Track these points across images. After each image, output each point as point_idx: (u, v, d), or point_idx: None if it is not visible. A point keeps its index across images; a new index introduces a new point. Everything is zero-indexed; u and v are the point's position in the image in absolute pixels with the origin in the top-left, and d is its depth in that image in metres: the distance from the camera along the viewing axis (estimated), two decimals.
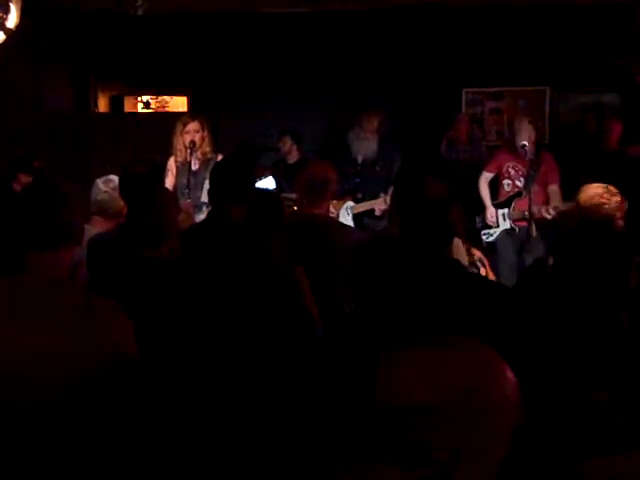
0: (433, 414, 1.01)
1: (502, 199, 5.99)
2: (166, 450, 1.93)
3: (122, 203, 3.80)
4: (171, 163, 5.53)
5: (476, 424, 1.02)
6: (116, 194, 3.81)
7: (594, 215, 3.70)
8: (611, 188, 3.77)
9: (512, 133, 6.12)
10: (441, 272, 2.34)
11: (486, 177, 6.15)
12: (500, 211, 5.93)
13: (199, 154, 5.41)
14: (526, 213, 5.51)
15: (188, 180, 5.32)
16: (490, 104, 8.87)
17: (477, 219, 6.08)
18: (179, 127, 5.41)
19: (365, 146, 6.11)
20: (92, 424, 1.80)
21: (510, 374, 1.08)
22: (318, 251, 3.40)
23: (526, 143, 5.57)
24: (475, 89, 8.79)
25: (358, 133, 6.14)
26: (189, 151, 5.32)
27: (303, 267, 3.10)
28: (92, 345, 1.82)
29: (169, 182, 5.38)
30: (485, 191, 6.13)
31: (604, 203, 3.69)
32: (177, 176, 5.45)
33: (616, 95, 8.28)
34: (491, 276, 3.68)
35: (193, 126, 5.35)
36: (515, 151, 5.87)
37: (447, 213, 2.48)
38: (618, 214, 3.74)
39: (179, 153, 5.39)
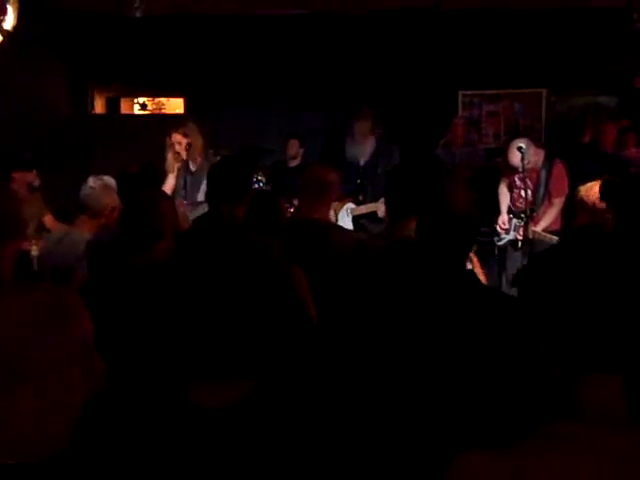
0: None
1: (515, 209, 5.90)
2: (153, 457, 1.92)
3: (105, 202, 3.81)
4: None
5: None
6: (101, 192, 3.81)
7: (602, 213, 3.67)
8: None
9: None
10: (454, 284, 2.30)
11: (504, 182, 6.05)
12: (514, 220, 5.87)
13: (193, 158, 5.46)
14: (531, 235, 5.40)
15: (185, 181, 5.36)
16: (487, 106, 8.88)
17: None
18: (167, 140, 5.48)
19: (361, 150, 6.11)
20: None
21: None
22: (316, 255, 3.38)
23: (522, 145, 5.52)
24: (472, 91, 8.81)
25: (353, 139, 6.15)
26: (183, 155, 5.38)
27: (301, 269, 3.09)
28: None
29: (169, 183, 5.42)
30: (502, 196, 6.04)
31: None
32: (177, 177, 5.49)
33: (613, 97, 8.31)
34: (479, 271, 3.62)
35: (175, 137, 5.41)
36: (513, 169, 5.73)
37: (471, 225, 2.38)
38: None
39: (170, 167, 5.44)
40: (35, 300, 1.55)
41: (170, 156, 5.42)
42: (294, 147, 7.14)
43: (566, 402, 1.24)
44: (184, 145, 5.38)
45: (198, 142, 5.50)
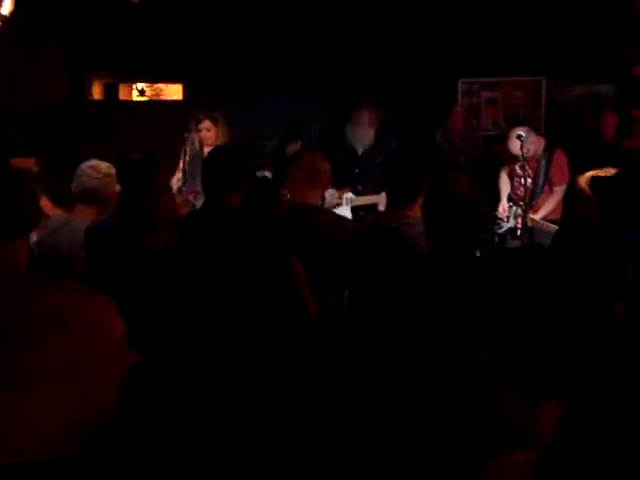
0: None
1: (515, 197, 5.87)
2: (160, 445, 1.92)
3: (110, 190, 3.79)
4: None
5: None
6: (107, 180, 3.78)
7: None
8: (609, 170, 3.72)
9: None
10: (464, 272, 2.30)
11: (505, 171, 6.03)
12: (513, 208, 5.85)
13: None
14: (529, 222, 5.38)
15: (184, 169, 5.39)
16: (486, 94, 8.86)
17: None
18: (192, 124, 5.50)
19: (362, 138, 6.08)
20: None
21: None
22: (309, 241, 3.39)
23: (522, 133, 5.49)
24: (471, 79, 8.78)
25: (353, 127, 6.12)
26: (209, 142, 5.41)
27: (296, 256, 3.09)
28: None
29: (181, 167, 5.47)
30: (503, 184, 6.02)
31: None
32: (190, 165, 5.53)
33: (612, 86, 8.28)
34: None
35: (205, 124, 5.44)
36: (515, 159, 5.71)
37: (476, 214, 2.38)
38: None
39: (190, 150, 5.47)
40: (53, 301, 1.52)
41: (197, 139, 5.43)
42: (294, 147, 7.13)
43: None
44: (212, 133, 5.42)
45: (226, 134, 5.53)
